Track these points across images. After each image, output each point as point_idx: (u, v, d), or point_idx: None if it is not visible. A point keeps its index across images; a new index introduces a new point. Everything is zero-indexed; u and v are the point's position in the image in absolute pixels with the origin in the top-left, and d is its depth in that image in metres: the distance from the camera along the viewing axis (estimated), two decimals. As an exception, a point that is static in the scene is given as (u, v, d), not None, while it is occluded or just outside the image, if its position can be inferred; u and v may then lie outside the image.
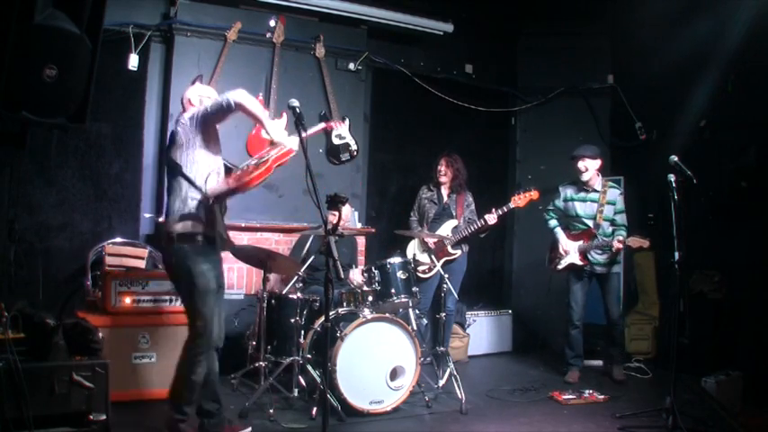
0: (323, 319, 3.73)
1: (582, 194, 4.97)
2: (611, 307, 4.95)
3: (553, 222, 5.08)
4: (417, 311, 4.72)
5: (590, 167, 4.88)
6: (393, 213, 6.04)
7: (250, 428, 3.59)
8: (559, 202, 5.09)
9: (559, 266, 5.01)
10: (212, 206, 3.22)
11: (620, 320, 5.01)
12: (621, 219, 4.88)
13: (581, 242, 4.87)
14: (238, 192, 3.27)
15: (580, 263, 4.89)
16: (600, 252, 4.87)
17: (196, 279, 3.16)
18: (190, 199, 3.20)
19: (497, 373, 5.41)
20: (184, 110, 3.43)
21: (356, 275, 4.86)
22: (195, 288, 3.18)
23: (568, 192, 5.05)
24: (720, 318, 5.18)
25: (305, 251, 4.81)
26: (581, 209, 4.96)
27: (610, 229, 4.86)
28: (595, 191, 4.92)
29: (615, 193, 4.88)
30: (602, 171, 6.31)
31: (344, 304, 4.24)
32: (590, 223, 4.89)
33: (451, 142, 5.97)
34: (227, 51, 5.05)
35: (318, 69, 5.46)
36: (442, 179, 5.21)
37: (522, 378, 5.09)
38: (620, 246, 4.64)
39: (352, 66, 5.60)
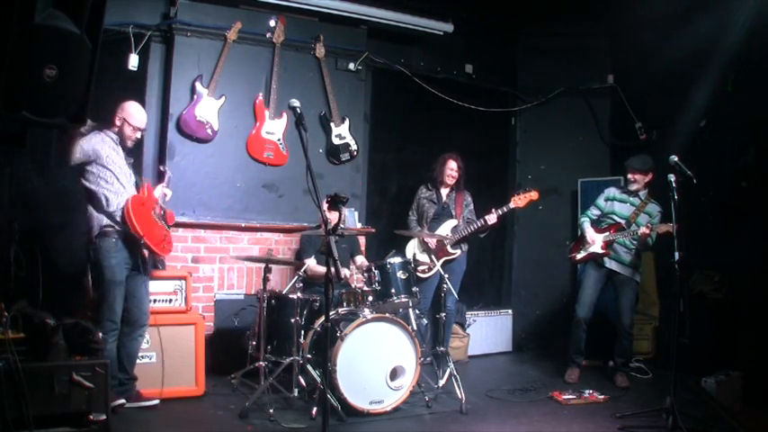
0: (323, 319, 3.74)
1: (624, 196, 4.97)
2: (623, 313, 4.89)
3: (583, 218, 5.07)
4: (417, 311, 4.72)
5: (638, 180, 4.86)
6: (393, 213, 6.04)
7: (157, 401, 3.92)
8: (601, 201, 5.06)
9: (579, 256, 5.00)
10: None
11: (631, 329, 4.94)
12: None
13: (607, 233, 4.87)
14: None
15: (601, 251, 4.85)
16: (625, 250, 4.86)
17: (105, 271, 3.71)
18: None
19: (497, 373, 5.41)
20: (113, 123, 3.88)
21: (361, 260, 4.95)
22: (104, 279, 3.71)
23: (612, 191, 5.05)
24: (720, 318, 5.17)
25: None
26: (618, 208, 4.95)
27: (639, 233, 4.78)
28: (638, 197, 4.91)
29: (655, 208, 4.84)
30: (603, 171, 6.40)
31: (344, 304, 4.24)
32: (622, 221, 4.88)
33: (451, 142, 5.97)
34: (227, 51, 5.05)
35: (318, 69, 5.46)
36: (449, 181, 5.19)
37: (522, 378, 5.10)
38: (648, 231, 4.57)
39: (352, 66, 5.61)
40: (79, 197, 4.71)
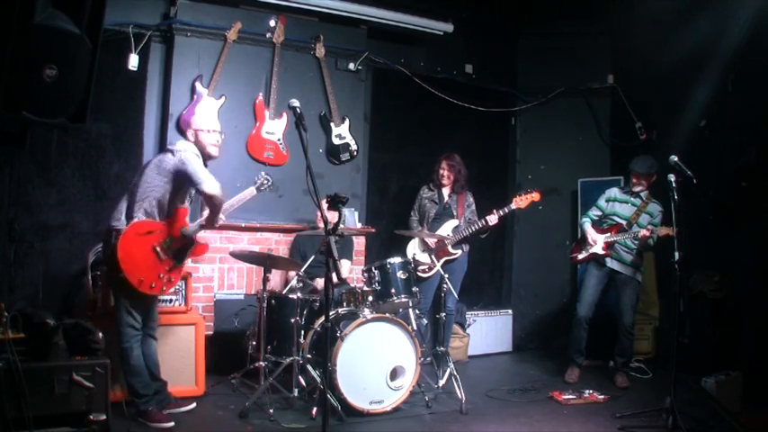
0: (323, 319, 3.74)
1: (625, 197, 4.98)
2: (624, 313, 4.89)
3: (584, 219, 5.08)
4: (417, 311, 4.72)
5: (642, 183, 4.86)
6: (393, 213, 6.04)
7: (194, 404, 3.90)
8: (602, 202, 5.07)
9: (580, 256, 5.02)
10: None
11: (632, 329, 4.94)
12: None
13: (609, 234, 4.88)
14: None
15: (602, 252, 4.87)
16: (627, 250, 4.87)
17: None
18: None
19: (497, 373, 5.41)
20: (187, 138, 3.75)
21: (344, 269, 4.92)
22: (123, 287, 3.51)
23: (613, 192, 5.06)
24: (720, 318, 5.17)
25: (301, 254, 4.90)
26: (620, 208, 4.96)
27: (639, 235, 4.80)
28: (639, 198, 4.91)
29: (656, 208, 4.85)
30: (603, 171, 6.39)
31: (344, 304, 4.24)
32: (623, 222, 4.89)
33: (451, 142, 5.97)
34: (227, 51, 5.05)
35: (318, 69, 5.46)
36: (444, 181, 5.20)
37: (522, 378, 5.09)
38: (648, 234, 4.58)
39: (352, 66, 5.61)
40: (80, 197, 4.75)
